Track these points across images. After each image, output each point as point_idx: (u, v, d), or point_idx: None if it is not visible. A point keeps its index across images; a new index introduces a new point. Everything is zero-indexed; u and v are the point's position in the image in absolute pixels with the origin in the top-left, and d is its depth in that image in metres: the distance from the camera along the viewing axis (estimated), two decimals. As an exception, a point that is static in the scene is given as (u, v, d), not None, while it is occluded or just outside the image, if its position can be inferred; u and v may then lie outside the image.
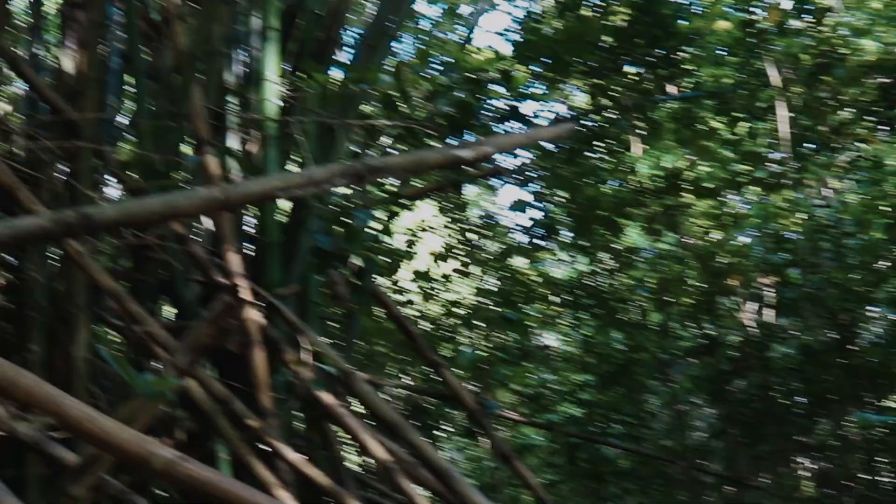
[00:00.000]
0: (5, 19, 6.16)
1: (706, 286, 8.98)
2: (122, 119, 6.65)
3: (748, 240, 9.23)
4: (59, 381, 5.04)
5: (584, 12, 8.14)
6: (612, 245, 8.93)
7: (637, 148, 8.77)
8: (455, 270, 9.19)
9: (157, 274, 5.90)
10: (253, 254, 6.00)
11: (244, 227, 6.12)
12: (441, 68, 6.71)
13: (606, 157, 8.44)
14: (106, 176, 6.11)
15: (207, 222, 5.99)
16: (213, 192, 3.94)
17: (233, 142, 6.14)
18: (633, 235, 9.41)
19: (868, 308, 8.35)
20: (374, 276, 6.89)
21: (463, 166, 5.51)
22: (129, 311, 5.12)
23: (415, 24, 8.42)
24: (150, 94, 6.36)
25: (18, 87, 6.57)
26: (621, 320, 9.02)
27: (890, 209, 8.18)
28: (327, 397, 5.38)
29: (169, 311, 6.33)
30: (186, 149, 6.10)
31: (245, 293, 5.29)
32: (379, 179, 6.17)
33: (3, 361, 2.89)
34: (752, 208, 9.10)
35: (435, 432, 8.83)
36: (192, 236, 5.79)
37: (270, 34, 6.18)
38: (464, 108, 6.16)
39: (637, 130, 8.54)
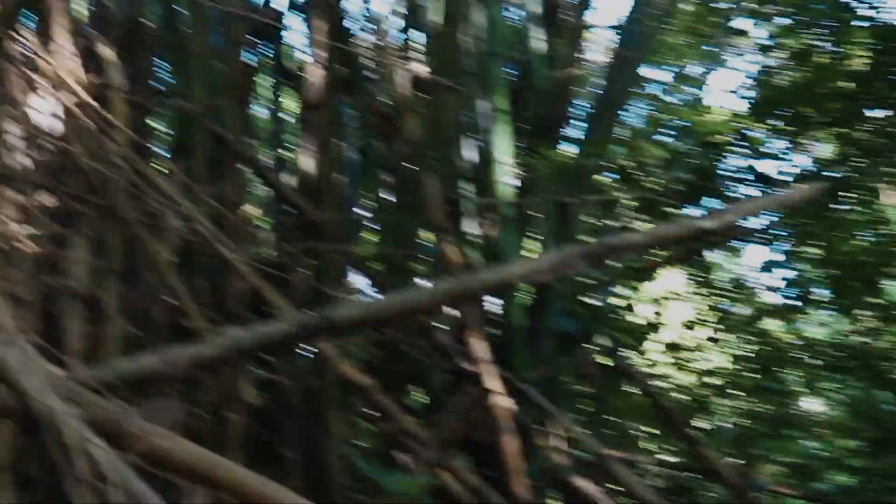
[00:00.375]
0: (246, 127, 6.41)
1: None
2: (362, 212, 6.78)
3: None
4: (314, 479, 5.13)
5: (820, 59, 7.82)
6: (873, 301, 8.44)
7: (890, 196, 8.30)
8: (707, 338, 8.91)
9: (405, 364, 5.93)
10: (498, 338, 5.96)
11: (488, 312, 6.10)
12: (674, 133, 6.55)
13: (857, 209, 8.01)
14: (350, 271, 6.24)
15: (451, 309, 5.99)
16: (451, 286, 3.92)
17: (470, 227, 6.15)
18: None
19: None
20: (621, 351, 6.73)
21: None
22: (379, 404, 5.15)
23: (643, 91, 8.30)
24: (387, 186, 6.47)
25: (264, 191, 6.83)
26: (890, 380, 8.48)
27: None
28: (582, 482, 5.25)
29: (420, 399, 6.36)
30: (425, 237, 6.16)
31: (492, 380, 5.25)
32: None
33: (247, 472, 2.91)
34: None
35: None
36: (437, 324, 5.82)
37: (499, 116, 6.19)
38: (702, 174, 5.98)
39: (888, 178, 8.09)
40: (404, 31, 6.87)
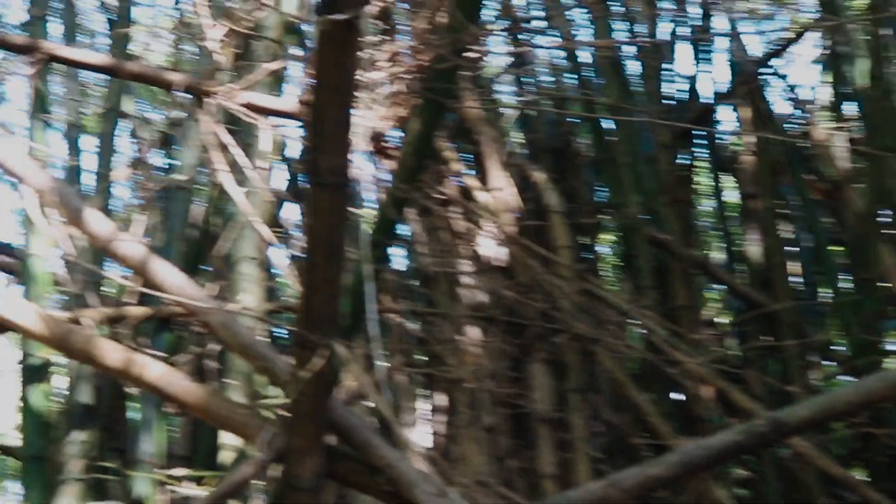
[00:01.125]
0: (688, 227, 6.41)
1: None
2: (820, 295, 6.52)
3: None
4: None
5: None
6: None
7: None
8: None
9: (886, 450, 5.57)
10: None
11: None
12: None
13: None
14: (815, 360, 6.00)
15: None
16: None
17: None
18: None
19: None
20: None
21: None
22: (867, 499, 4.86)
23: None
24: (841, 263, 6.20)
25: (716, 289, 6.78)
26: None
27: None
28: None
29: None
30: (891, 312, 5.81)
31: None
32: None
33: None
34: None
35: None
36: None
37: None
38: None
39: None
40: (834, 100, 6.61)
